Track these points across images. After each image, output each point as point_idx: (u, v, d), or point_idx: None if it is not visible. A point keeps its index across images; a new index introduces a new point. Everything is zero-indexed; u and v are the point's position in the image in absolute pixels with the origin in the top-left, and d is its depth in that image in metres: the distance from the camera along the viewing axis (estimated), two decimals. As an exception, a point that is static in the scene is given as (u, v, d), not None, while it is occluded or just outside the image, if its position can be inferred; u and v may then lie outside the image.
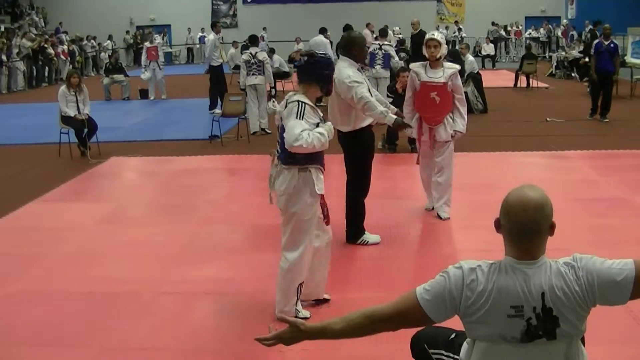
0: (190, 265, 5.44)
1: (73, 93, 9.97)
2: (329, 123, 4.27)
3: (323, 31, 15.37)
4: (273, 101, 13.71)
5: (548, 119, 12.45)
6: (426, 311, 2.32)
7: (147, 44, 17.28)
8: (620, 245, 5.68)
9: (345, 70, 5.36)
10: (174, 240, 6.07)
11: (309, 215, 4.23)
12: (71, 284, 5.14)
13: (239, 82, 20.24)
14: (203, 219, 6.72)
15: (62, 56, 24.24)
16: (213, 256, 5.67)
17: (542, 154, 9.34)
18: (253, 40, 12.05)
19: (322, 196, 4.26)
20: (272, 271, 5.31)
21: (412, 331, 2.87)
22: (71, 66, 23.37)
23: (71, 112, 9.84)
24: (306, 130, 4.03)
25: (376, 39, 13.46)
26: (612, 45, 12.54)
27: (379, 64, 12.13)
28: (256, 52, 11.63)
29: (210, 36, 14.40)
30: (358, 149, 5.66)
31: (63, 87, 10.14)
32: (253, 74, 11.55)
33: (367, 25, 20.41)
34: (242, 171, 9.08)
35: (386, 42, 12.59)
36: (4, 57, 20.39)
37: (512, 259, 2.28)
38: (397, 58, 12.13)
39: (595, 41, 13.12)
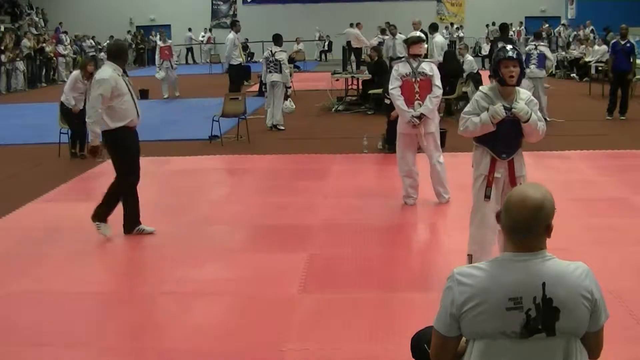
0: (190, 265, 5.44)
1: (85, 81, 9.50)
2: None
3: (436, 28, 14.66)
4: (290, 101, 13.99)
5: (548, 119, 12.43)
6: (450, 336, 2.35)
7: (160, 43, 17.37)
8: (620, 245, 5.68)
9: (105, 72, 5.95)
10: (174, 240, 6.07)
11: None
12: (71, 284, 5.13)
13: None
14: (203, 219, 6.72)
15: (63, 52, 24.23)
16: (213, 256, 5.67)
17: (542, 154, 9.33)
18: (276, 39, 12.28)
19: None
20: (272, 271, 5.32)
21: (413, 331, 2.88)
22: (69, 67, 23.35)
23: (73, 101, 9.56)
24: None
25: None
26: (628, 44, 12.70)
27: (534, 64, 12.38)
28: (275, 52, 11.93)
29: (230, 35, 14.61)
30: (115, 147, 6.08)
31: (77, 72, 9.87)
32: (270, 72, 11.94)
33: (357, 25, 20.39)
34: (242, 171, 9.08)
35: (542, 43, 12.93)
36: (3, 58, 20.37)
37: (510, 254, 2.30)
38: (552, 59, 12.43)
39: (612, 41, 13.30)
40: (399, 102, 6.66)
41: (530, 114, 4.46)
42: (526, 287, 2.23)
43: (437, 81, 6.72)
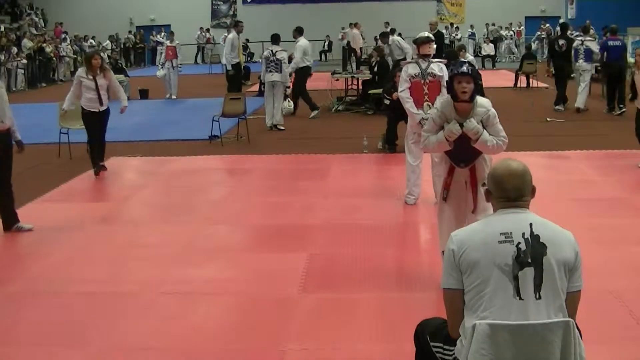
0: (190, 265, 5.44)
1: (91, 78, 8.58)
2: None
3: (301, 32, 13.88)
4: (288, 101, 14.06)
5: (548, 119, 12.45)
6: (458, 288, 2.59)
7: (167, 42, 17.46)
8: (620, 245, 5.68)
9: None
10: (174, 240, 6.07)
11: None
12: (71, 284, 5.13)
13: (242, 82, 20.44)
14: (203, 219, 6.72)
15: (63, 53, 24.22)
16: (213, 256, 5.67)
17: (542, 154, 9.34)
18: (275, 39, 12.31)
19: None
20: (272, 271, 5.32)
21: (413, 331, 2.88)
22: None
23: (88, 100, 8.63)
24: None
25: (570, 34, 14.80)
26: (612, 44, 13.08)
27: (582, 58, 13.18)
28: (276, 51, 11.95)
29: (230, 35, 14.56)
30: None
31: (80, 71, 8.85)
32: (270, 71, 11.90)
33: (355, 25, 20.38)
34: (242, 171, 9.08)
35: (588, 38, 13.58)
36: (3, 58, 20.36)
37: (500, 209, 2.63)
38: (598, 52, 13.22)
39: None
40: (409, 104, 6.64)
41: (481, 133, 4.36)
42: (515, 225, 2.56)
43: None
